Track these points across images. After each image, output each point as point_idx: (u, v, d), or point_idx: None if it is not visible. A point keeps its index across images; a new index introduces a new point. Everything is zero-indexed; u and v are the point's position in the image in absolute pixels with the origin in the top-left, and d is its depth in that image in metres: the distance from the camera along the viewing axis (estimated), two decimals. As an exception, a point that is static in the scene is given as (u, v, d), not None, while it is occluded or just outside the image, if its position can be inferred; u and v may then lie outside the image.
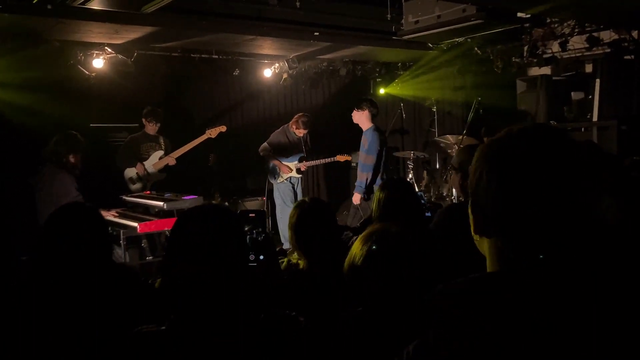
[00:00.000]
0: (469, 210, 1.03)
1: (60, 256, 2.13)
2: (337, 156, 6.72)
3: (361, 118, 5.74)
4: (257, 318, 1.49)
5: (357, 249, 1.74)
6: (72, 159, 4.61)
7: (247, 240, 1.79)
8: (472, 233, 1.03)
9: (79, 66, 5.94)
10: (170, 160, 6.11)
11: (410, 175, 7.16)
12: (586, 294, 0.87)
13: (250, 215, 1.87)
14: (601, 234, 0.97)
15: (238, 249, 1.48)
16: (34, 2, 4.36)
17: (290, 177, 6.76)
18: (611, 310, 0.85)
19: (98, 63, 5.97)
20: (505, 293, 0.89)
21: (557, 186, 0.91)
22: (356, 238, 3.02)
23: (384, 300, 1.67)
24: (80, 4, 4.45)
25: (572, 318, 0.85)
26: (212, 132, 6.27)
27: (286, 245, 6.04)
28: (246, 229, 1.82)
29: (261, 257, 1.84)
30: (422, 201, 3.09)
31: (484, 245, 1.02)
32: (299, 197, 6.83)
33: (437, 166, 7.59)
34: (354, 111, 5.77)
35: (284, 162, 6.68)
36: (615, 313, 0.86)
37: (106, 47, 5.92)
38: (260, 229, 1.85)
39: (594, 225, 0.94)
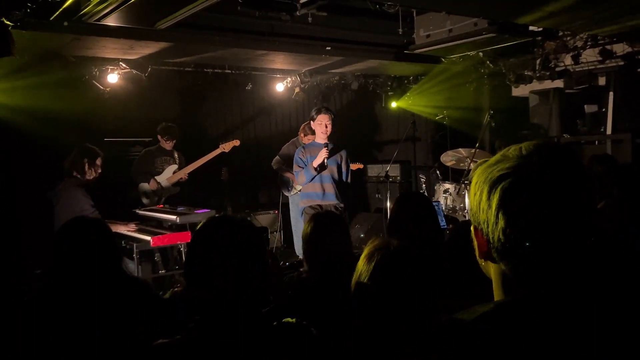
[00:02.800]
0: (472, 234, 1.01)
1: (68, 269, 2.17)
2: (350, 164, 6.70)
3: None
4: (271, 327, 1.50)
5: (362, 266, 1.72)
6: (86, 168, 4.52)
7: None
8: (477, 258, 1.01)
9: (94, 81, 6.02)
10: (183, 175, 6.13)
11: (423, 188, 7.15)
12: (594, 329, 0.86)
13: None
14: (605, 258, 0.95)
15: (259, 260, 1.51)
16: (51, 19, 4.43)
17: (304, 188, 6.77)
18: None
19: (112, 78, 6.05)
20: (511, 330, 0.88)
21: (559, 208, 0.89)
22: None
23: (385, 315, 1.66)
24: (96, 20, 4.51)
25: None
26: (226, 147, 6.29)
27: (301, 256, 6.03)
28: None
29: None
30: (439, 213, 3.08)
31: (489, 270, 1.00)
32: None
33: (450, 179, 7.56)
34: (332, 120, 5.13)
35: (295, 174, 6.68)
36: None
37: (120, 63, 6.00)
38: None
39: (595, 248, 0.93)
